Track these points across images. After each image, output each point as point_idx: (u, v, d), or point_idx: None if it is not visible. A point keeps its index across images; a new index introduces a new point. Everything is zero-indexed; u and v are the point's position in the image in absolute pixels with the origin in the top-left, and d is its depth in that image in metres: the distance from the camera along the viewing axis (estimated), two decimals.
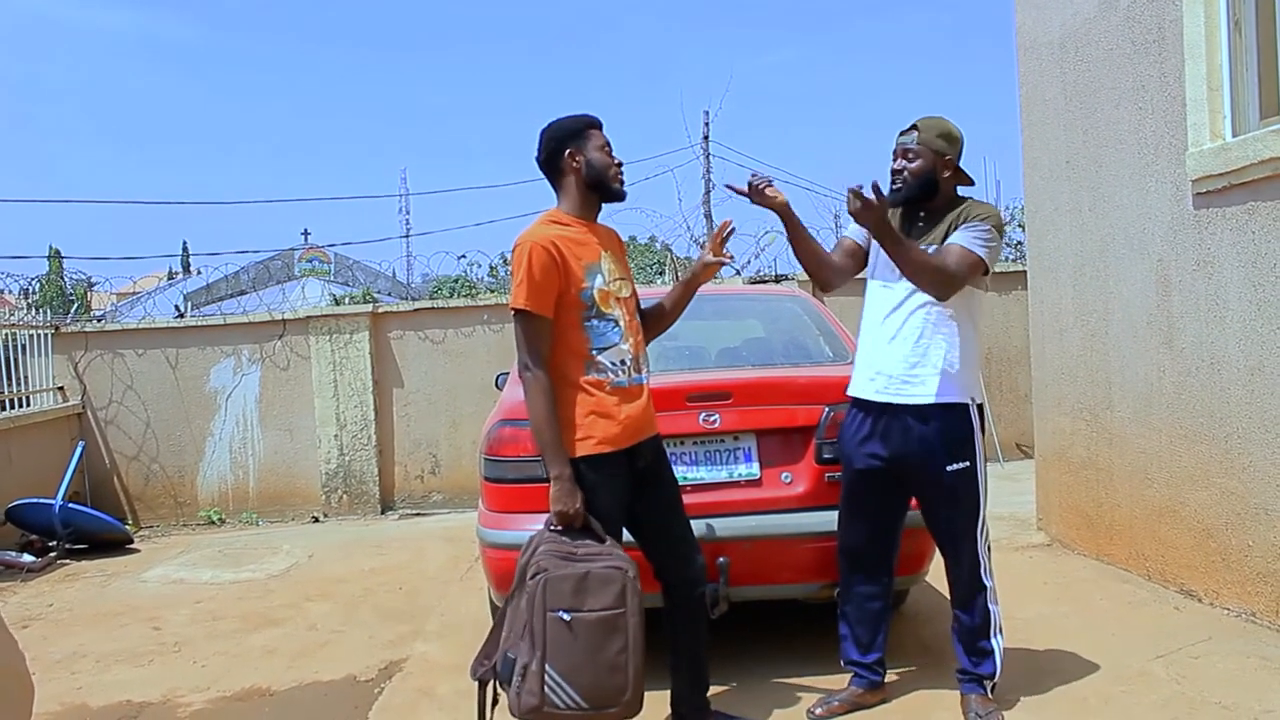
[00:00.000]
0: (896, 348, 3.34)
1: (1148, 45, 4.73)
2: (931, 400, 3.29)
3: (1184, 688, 3.56)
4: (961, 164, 3.43)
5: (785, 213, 3.46)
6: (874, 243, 3.46)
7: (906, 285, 3.33)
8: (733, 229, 3.38)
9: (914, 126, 3.39)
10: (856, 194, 3.13)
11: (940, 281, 3.23)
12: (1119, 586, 4.88)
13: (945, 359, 3.30)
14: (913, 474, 3.37)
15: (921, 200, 3.40)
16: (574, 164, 3.15)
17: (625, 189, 3.25)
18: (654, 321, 3.44)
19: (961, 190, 3.48)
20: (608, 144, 3.21)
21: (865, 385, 3.43)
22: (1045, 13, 5.70)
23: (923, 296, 3.30)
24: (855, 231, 3.56)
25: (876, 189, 3.10)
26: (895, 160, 3.41)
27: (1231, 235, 4.23)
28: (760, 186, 3.41)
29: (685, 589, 3.30)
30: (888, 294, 3.41)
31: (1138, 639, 4.08)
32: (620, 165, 3.24)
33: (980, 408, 3.41)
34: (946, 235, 3.32)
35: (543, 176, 3.26)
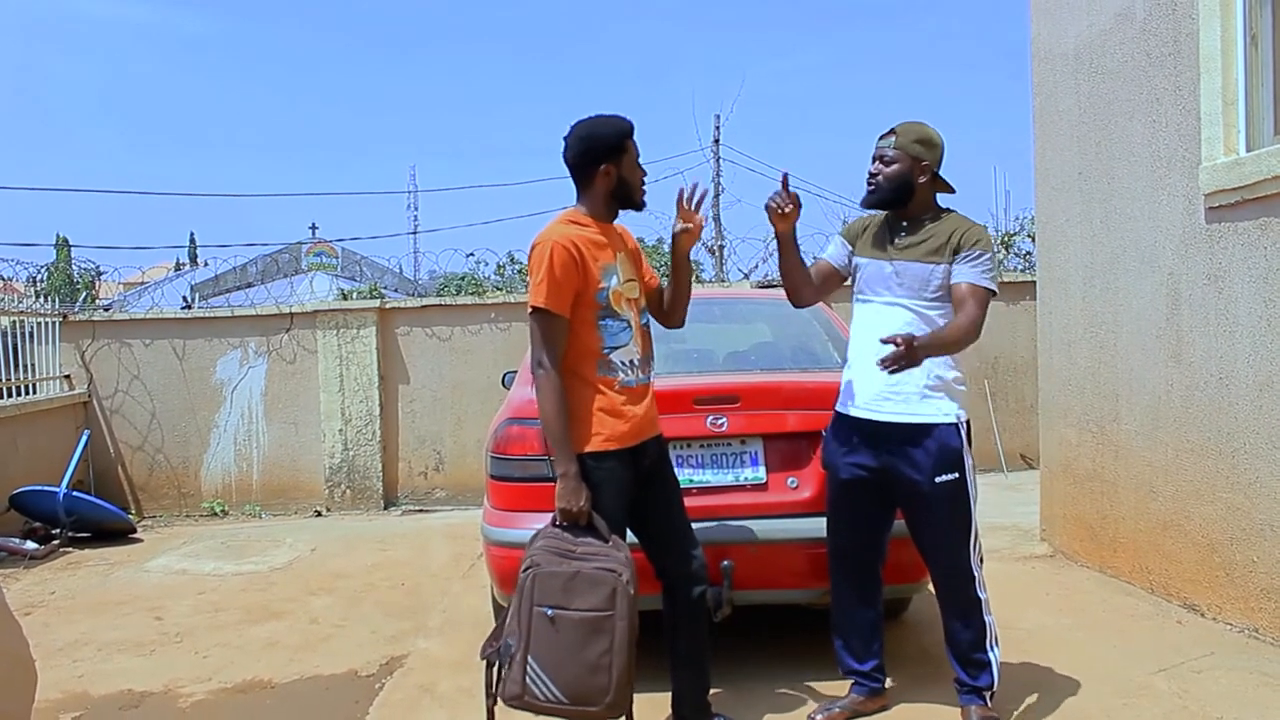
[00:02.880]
0: (877, 365, 3.34)
1: (1163, 58, 4.72)
2: (915, 419, 3.29)
3: (1186, 702, 3.55)
4: (943, 173, 3.43)
5: (786, 240, 3.49)
6: (857, 260, 3.50)
7: (887, 302, 3.35)
8: (702, 190, 3.37)
9: (892, 131, 3.39)
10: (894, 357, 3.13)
11: (974, 335, 3.28)
12: (1122, 599, 4.87)
13: (929, 377, 3.30)
14: (899, 485, 3.36)
15: (898, 204, 3.40)
16: (606, 178, 3.16)
17: (646, 200, 3.29)
18: (676, 295, 3.46)
19: (942, 199, 3.48)
20: (638, 154, 3.22)
21: (850, 403, 3.44)
22: (1061, 24, 5.69)
23: (905, 314, 3.32)
24: (832, 255, 3.59)
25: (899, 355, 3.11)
26: (872, 164, 3.42)
27: (1243, 250, 4.22)
28: (773, 207, 3.40)
29: (685, 588, 3.30)
30: (870, 311, 3.42)
31: (1140, 652, 4.08)
32: (645, 175, 3.26)
33: (968, 423, 3.39)
34: (937, 254, 3.31)
35: (566, 173, 3.25)
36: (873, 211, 3.55)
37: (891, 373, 3.12)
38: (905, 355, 3.07)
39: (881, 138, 3.41)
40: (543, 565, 2.93)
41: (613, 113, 3.22)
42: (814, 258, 3.77)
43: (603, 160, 3.15)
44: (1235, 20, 4.30)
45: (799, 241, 3.52)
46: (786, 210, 3.39)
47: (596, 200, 3.20)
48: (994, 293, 3.32)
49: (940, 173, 3.42)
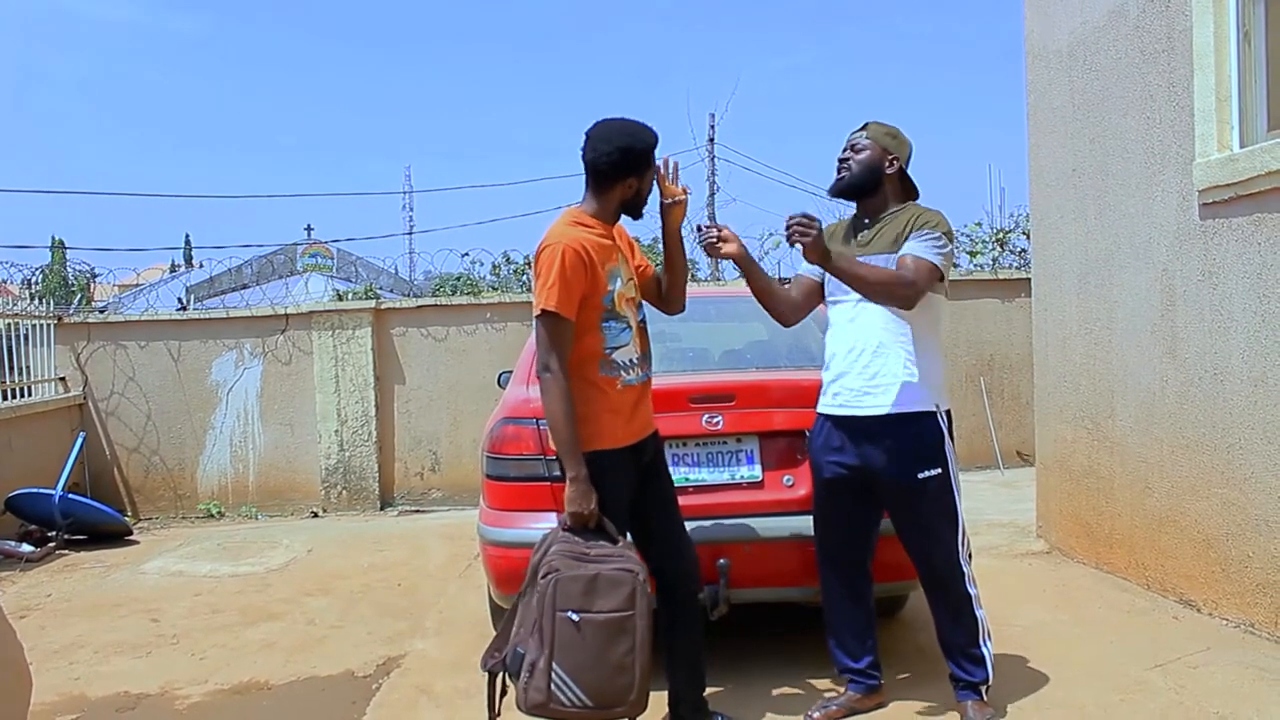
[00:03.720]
0: (854, 360, 3.37)
1: (1156, 55, 4.73)
2: (893, 410, 3.30)
3: (1182, 698, 3.56)
4: (910, 174, 3.49)
5: (743, 261, 3.51)
6: None
7: (857, 300, 3.36)
8: (676, 162, 3.37)
9: (864, 125, 3.49)
10: (796, 222, 3.21)
11: (901, 294, 3.26)
12: (1118, 595, 4.88)
13: (905, 369, 3.32)
14: (882, 483, 3.37)
15: (866, 191, 3.44)
16: (627, 188, 3.17)
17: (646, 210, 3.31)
18: (672, 276, 3.45)
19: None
20: (655, 169, 3.24)
21: (829, 400, 3.46)
22: (1054, 21, 5.70)
23: (875, 308, 3.34)
24: (808, 269, 3.60)
25: (804, 221, 3.19)
26: (843, 152, 3.49)
27: (1237, 246, 4.23)
28: (710, 242, 3.45)
29: (681, 586, 3.31)
30: (843, 311, 3.44)
31: (1136, 648, 4.08)
32: (653, 187, 3.27)
33: (949, 414, 3.41)
34: (897, 241, 3.34)
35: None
36: (838, 215, 3.61)
37: (791, 238, 3.19)
38: (806, 226, 3.17)
39: (854, 131, 3.50)
40: (563, 570, 2.91)
41: (639, 121, 3.20)
42: (795, 274, 3.79)
43: (631, 174, 3.15)
44: (1228, 17, 4.31)
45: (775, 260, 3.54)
46: (717, 243, 3.43)
47: (607, 205, 3.20)
48: (936, 268, 3.29)
49: (908, 174, 3.49)
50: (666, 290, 3.48)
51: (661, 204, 3.35)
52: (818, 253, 3.24)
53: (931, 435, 3.32)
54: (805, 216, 3.22)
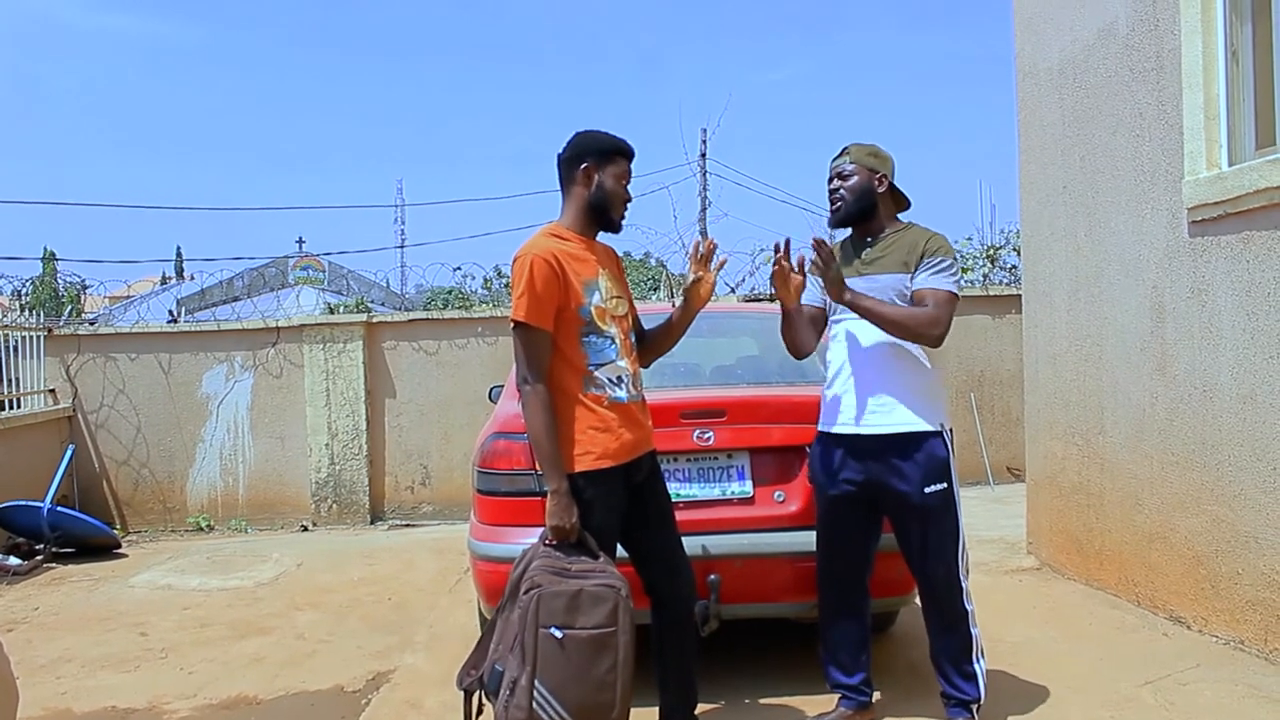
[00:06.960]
0: (858, 380, 3.38)
1: (1146, 74, 4.76)
2: (900, 429, 3.31)
3: (1172, 714, 3.56)
4: (903, 186, 3.51)
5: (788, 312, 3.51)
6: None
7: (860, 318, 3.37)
8: (714, 246, 3.37)
9: (844, 150, 3.50)
10: (817, 254, 3.25)
11: (931, 334, 3.30)
12: (1108, 612, 4.88)
13: (909, 387, 3.34)
14: (888, 498, 3.37)
15: (862, 219, 3.46)
16: (585, 179, 3.14)
17: (623, 224, 3.27)
18: (659, 339, 3.44)
19: (900, 216, 3.55)
20: (627, 176, 3.22)
21: (832, 419, 3.46)
22: (1045, 39, 5.74)
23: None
24: (811, 296, 3.61)
25: (826, 255, 3.24)
26: (831, 183, 3.50)
27: (1226, 264, 4.25)
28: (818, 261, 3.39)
29: (675, 605, 3.29)
30: (847, 329, 3.45)
31: (1126, 665, 4.09)
32: (629, 201, 3.24)
33: (950, 432, 3.43)
34: (905, 264, 3.36)
35: (552, 185, 3.26)
36: (838, 236, 3.63)
37: (813, 269, 3.24)
38: (826, 261, 3.22)
39: (835, 159, 3.51)
40: (545, 586, 2.88)
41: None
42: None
43: (586, 159, 3.13)
44: (1216, 36, 4.34)
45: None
46: (792, 275, 3.40)
47: (577, 209, 3.17)
48: (956, 295, 3.36)
49: (897, 186, 3.51)
50: (649, 344, 3.43)
51: (687, 282, 3.35)
52: (838, 288, 3.27)
53: (938, 453, 3.33)
54: (824, 247, 3.23)
